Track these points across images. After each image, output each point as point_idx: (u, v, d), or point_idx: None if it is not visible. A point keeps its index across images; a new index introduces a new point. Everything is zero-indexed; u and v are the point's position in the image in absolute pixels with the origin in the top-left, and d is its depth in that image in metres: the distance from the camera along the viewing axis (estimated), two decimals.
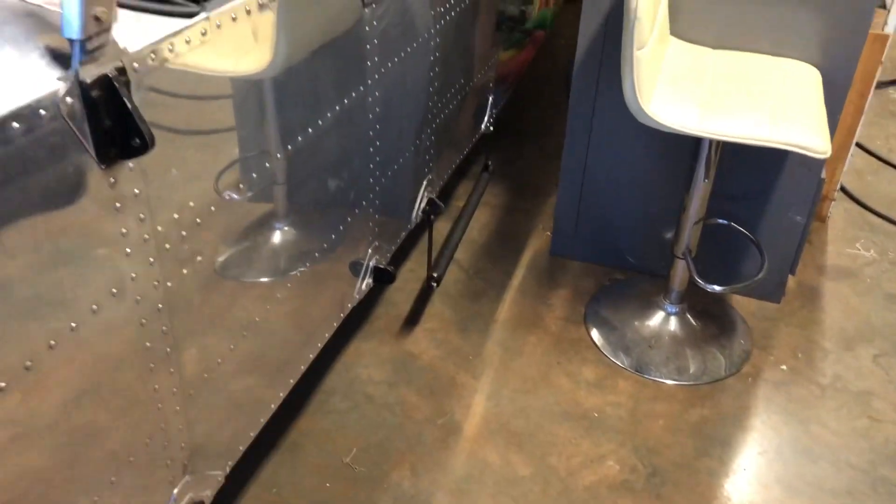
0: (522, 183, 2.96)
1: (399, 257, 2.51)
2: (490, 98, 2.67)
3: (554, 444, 1.94)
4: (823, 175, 2.26)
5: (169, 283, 1.16)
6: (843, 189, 2.89)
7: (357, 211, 1.79)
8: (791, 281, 2.44)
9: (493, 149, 2.90)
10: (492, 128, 2.71)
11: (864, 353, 2.24)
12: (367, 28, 1.60)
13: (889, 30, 2.35)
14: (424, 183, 2.21)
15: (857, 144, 3.14)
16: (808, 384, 2.14)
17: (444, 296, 2.41)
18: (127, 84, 0.96)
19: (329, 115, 1.54)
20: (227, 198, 1.28)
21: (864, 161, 3.12)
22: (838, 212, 2.82)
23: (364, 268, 1.91)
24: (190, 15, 1.08)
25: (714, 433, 2.00)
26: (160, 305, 1.15)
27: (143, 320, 1.12)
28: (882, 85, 3.68)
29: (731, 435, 2.00)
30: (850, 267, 2.57)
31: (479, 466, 1.88)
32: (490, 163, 2.78)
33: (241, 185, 1.31)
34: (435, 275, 2.24)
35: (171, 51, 1.05)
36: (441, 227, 2.54)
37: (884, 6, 2.34)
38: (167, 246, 1.14)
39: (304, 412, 2.00)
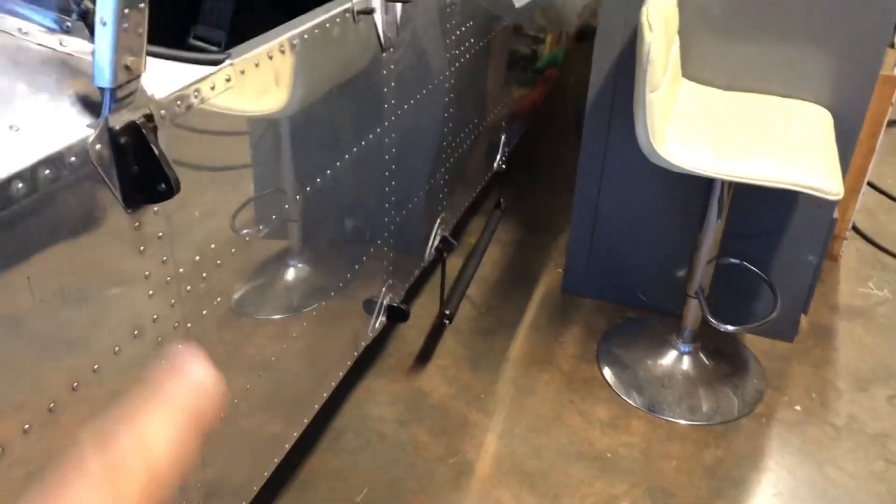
0: (534, 220, 2.98)
1: (411, 294, 2.51)
2: (503, 137, 2.70)
3: (567, 484, 1.93)
4: (835, 215, 2.27)
5: (189, 325, 1.17)
6: (855, 228, 2.89)
7: (372, 249, 1.81)
8: (804, 320, 2.43)
9: (505, 186, 2.92)
10: (504, 166, 2.73)
11: (879, 393, 2.23)
12: (384, 71, 1.63)
13: None
14: (438, 221, 2.23)
15: (869, 184, 3.14)
16: (823, 425, 2.13)
17: (456, 333, 2.41)
18: (154, 130, 0.98)
19: (346, 155, 1.56)
20: (247, 237, 1.29)
21: (876, 200, 3.12)
22: (850, 251, 2.82)
23: (378, 306, 1.92)
24: (216, 63, 1.10)
25: (728, 474, 1.98)
26: (180, 347, 1.16)
27: (164, 361, 1.13)
28: (892, 124, 3.70)
29: (745, 476, 1.98)
30: (863, 306, 2.57)
31: None
32: (502, 200, 2.80)
33: (260, 226, 1.33)
34: (447, 312, 2.24)
35: (196, 97, 1.08)
36: (453, 264, 2.56)
37: (893, 46, 2.36)
38: (188, 288, 1.15)
39: (315, 450, 1.99)
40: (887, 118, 2.49)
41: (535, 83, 3.11)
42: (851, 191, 2.53)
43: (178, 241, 1.10)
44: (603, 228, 2.45)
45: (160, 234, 1.06)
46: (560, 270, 2.68)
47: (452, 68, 2.02)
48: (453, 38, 1.99)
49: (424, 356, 2.32)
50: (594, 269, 2.53)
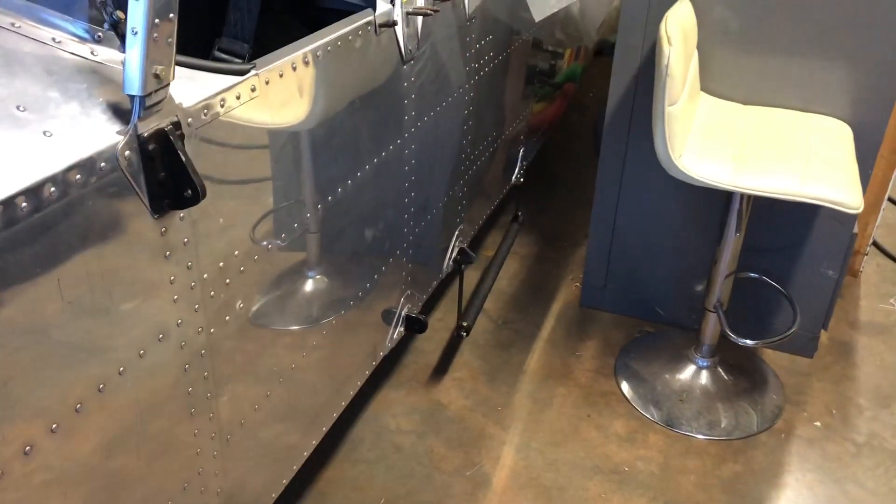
0: (552, 233, 2.98)
1: (429, 306, 2.53)
2: (521, 150, 2.71)
3: (585, 499, 1.92)
4: (855, 230, 2.26)
5: (212, 330, 1.19)
6: (875, 244, 2.88)
7: (391, 260, 1.82)
8: (823, 336, 2.42)
9: (523, 199, 2.93)
10: (522, 179, 2.74)
11: None
12: (405, 84, 1.65)
13: None
14: (456, 233, 2.24)
15: (890, 199, 3.13)
16: (843, 442, 2.11)
17: (473, 345, 2.42)
18: (181, 137, 1.00)
19: (367, 166, 1.58)
20: (269, 247, 1.31)
21: None
22: (871, 266, 2.81)
23: (396, 316, 1.93)
24: (241, 73, 1.12)
25: (747, 490, 1.96)
26: (203, 351, 1.18)
27: (187, 366, 1.14)
28: None
29: (764, 492, 1.96)
30: (884, 323, 2.55)
31: None
32: (520, 213, 2.80)
33: (283, 235, 1.35)
34: (464, 324, 2.25)
35: (222, 105, 1.10)
36: (471, 277, 2.56)
37: None
38: (212, 293, 1.17)
39: (331, 460, 2.00)
40: None
41: (554, 98, 3.12)
42: (872, 206, 2.52)
43: (203, 248, 1.12)
44: (621, 242, 2.45)
45: (185, 240, 1.08)
46: (577, 284, 2.68)
47: (472, 81, 2.04)
48: (473, 51, 2.01)
49: (441, 368, 2.32)
50: (612, 283, 2.53)
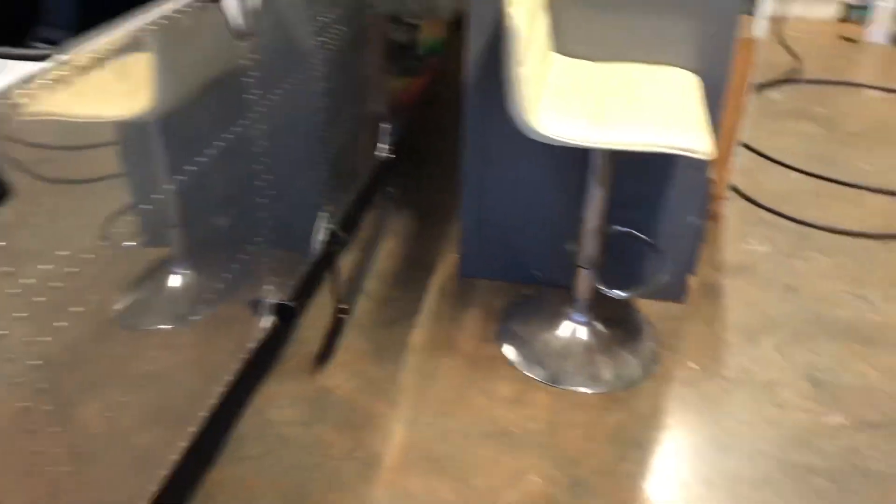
0: (428, 208, 2.97)
1: (306, 293, 2.46)
2: (387, 126, 2.67)
3: (475, 464, 1.93)
4: (712, 176, 2.35)
5: (48, 338, 1.10)
6: (734, 188, 3.01)
7: (252, 247, 1.75)
8: (692, 281, 2.51)
9: (395, 176, 2.90)
10: (392, 155, 2.70)
11: (766, 343, 2.32)
12: (244, 60, 1.57)
13: (757, 34, 2.47)
14: (323, 215, 2.19)
15: (745, 145, 3.28)
16: (717, 379, 2.20)
17: (357, 327, 2.38)
18: None
19: (212, 151, 1.50)
20: (109, 243, 1.23)
21: (753, 161, 3.25)
22: (732, 211, 2.93)
23: (263, 305, 1.86)
24: (43, 58, 1.03)
25: (631, 437, 2.02)
26: (38, 362, 1.09)
27: (19, 380, 1.05)
28: (763, 87, 3.87)
29: (648, 437, 2.02)
30: (746, 263, 2.67)
31: (402, 496, 1.85)
32: (392, 190, 2.77)
33: (125, 230, 1.26)
34: (344, 307, 2.21)
35: (26, 96, 1.01)
36: (349, 259, 2.52)
37: (750, 13, 2.46)
38: (41, 299, 1.08)
39: (216, 462, 1.92)
40: (752, 81, 2.59)
41: (418, 71, 3.10)
42: (725, 152, 2.63)
43: (24, 251, 1.03)
44: (493, 210, 2.46)
45: (3, 243, 0.99)
46: (456, 255, 2.68)
47: (321, 57, 1.98)
48: (320, 25, 1.95)
49: (326, 354, 2.27)
50: (489, 251, 2.54)
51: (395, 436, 2.01)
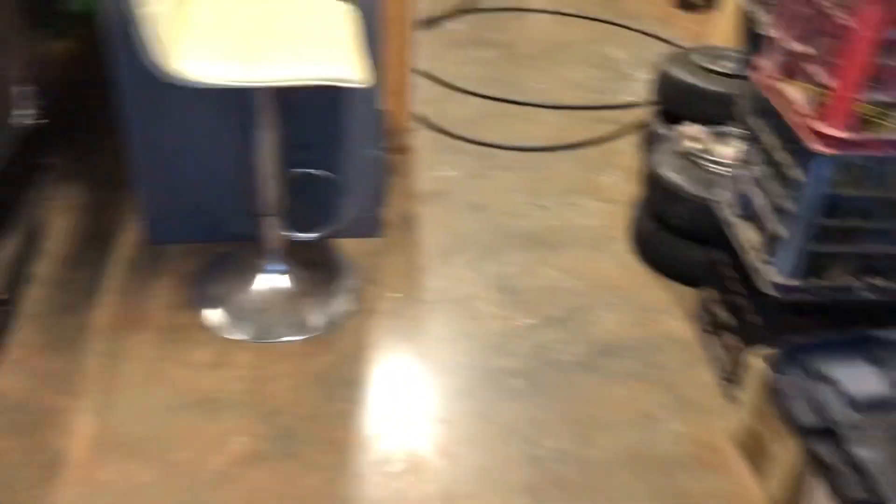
0: (103, 176, 2.70)
1: None
2: (25, 87, 2.36)
3: (175, 438, 1.81)
4: (388, 107, 2.36)
5: None
6: (422, 119, 3.08)
7: None
8: (388, 213, 2.54)
9: (53, 144, 2.60)
10: (44, 121, 2.41)
11: (459, 261, 2.42)
12: None
13: None
14: None
15: (428, 75, 3.36)
16: (418, 304, 2.26)
17: (29, 319, 2.12)
18: None
19: None
20: None
21: (437, 90, 3.35)
22: (422, 141, 3.00)
23: None
24: None
25: (339, 376, 2.01)
26: None
27: None
28: (441, 19, 3.99)
29: (355, 373, 2.03)
30: (438, 189, 2.75)
31: (95, 489, 1.69)
32: (52, 160, 2.48)
33: None
34: (3, 298, 1.95)
35: None
36: (6, 244, 2.22)
37: None
38: None
39: None
40: (416, 8, 2.63)
41: (73, 28, 2.79)
42: (400, 83, 2.66)
43: None
44: (171, 169, 2.29)
45: None
46: (141, 222, 2.48)
47: None
48: None
49: None
50: (176, 213, 2.37)
51: (83, 428, 1.83)
